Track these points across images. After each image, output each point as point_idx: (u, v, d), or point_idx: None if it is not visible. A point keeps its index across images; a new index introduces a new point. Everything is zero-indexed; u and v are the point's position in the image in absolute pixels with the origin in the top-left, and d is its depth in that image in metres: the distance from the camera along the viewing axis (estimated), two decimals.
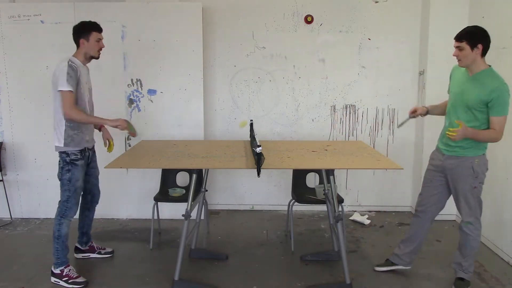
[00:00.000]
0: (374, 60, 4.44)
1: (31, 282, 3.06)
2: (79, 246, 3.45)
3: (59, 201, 3.04)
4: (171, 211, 4.14)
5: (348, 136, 4.57)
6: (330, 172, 2.91)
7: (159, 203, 3.76)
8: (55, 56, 4.12)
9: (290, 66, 4.46)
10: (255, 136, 2.97)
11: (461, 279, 2.94)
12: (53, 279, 3.05)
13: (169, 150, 3.27)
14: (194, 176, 2.89)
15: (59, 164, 3.03)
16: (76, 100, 2.95)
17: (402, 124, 3.16)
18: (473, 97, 2.68)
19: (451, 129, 2.65)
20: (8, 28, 4.10)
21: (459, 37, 2.68)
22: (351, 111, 4.53)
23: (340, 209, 3.25)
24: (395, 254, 3.20)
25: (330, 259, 3.43)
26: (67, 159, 2.98)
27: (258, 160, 2.55)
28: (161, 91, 4.21)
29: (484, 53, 2.67)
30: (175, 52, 4.15)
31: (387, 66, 4.45)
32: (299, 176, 3.90)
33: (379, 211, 4.63)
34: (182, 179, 4.03)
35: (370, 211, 4.63)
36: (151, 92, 4.21)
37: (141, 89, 4.21)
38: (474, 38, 2.63)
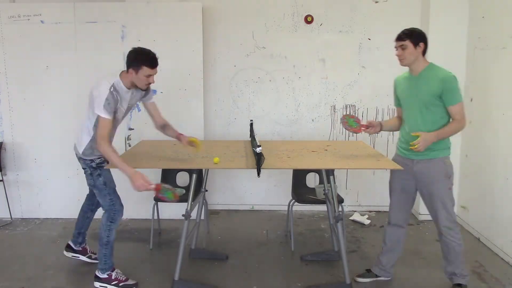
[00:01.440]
0: (374, 60, 4.44)
1: (31, 282, 3.06)
2: (72, 245, 3.35)
3: (103, 207, 2.95)
4: (171, 211, 4.14)
5: (348, 136, 4.57)
6: (330, 172, 2.91)
7: (159, 203, 3.76)
8: (55, 56, 4.14)
9: (290, 66, 4.46)
10: (255, 136, 2.97)
11: (459, 285, 2.84)
12: (98, 284, 2.99)
13: (169, 150, 3.27)
14: (194, 176, 2.89)
15: (85, 171, 2.92)
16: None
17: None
18: (424, 93, 2.71)
19: (412, 142, 2.63)
20: (8, 28, 4.10)
21: (401, 37, 2.73)
22: (351, 111, 4.53)
23: (340, 209, 3.25)
24: (380, 267, 3.09)
25: (330, 259, 3.43)
26: (93, 164, 2.88)
27: (258, 160, 2.55)
28: (161, 91, 4.21)
29: (424, 52, 2.75)
30: (175, 52, 4.15)
31: (387, 66, 4.44)
32: (299, 176, 3.90)
33: (379, 211, 4.63)
34: (182, 179, 4.03)
35: (370, 211, 4.63)
36: None
37: None
38: (417, 36, 2.70)
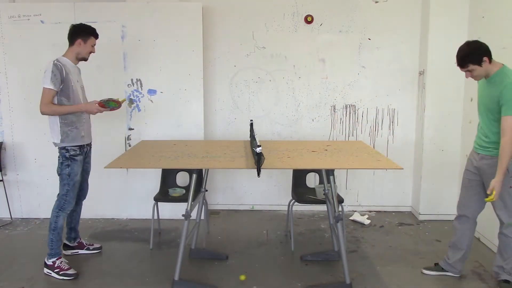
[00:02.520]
0: (374, 60, 4.44)
1: (31, 282, 3.06)
2: (67, 242, 3.50)
3: (58, 194, 3.15)
4: (171, 211, 4.14)
5: (348, 136, 4.57)
6: (330, 172, 2.91)
7: (159, 203, 3.76)
8: (55, 56, 4.10)
9: (290, 66, 4.46)
10: (255, 136, 2.97)
11: (506, 281, 2.87)
12: (45, 270, 3.15)
13: (169, 150, 3.27)
14: (194, 176, 2.89)
15: (58, 160, 3.14)
16: (68, 97, 3.08)
17: None
18: (489, 98, 2.70)
19: (488, 198, 2.67)
20: (8, 28, 4.10)
21: (461, 64, 2.68)
22: (351, 111, 4.53)
23: (340, 209, 3.25)
24: (446, 261, 3.13)
25: (330, 259, 3.43)
26: (67, 154, 3.10)
27: (258, 160, 2.55)
28: (161, 91, 4.22)
29: (491, 59, 2.68)
30: (175, 52, 4.15)
31: (387, 66, 4.45)
32: (299, 176, 3.90)
33: (379, 211, 4.63)
34: (182, 179, 4.03)
35: (370, 211, 4.63)
36: (151, 92, 4.21)
37: (141, 89, 4.21)
38: (476, 56, 2.64)
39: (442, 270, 3.15)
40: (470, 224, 3.02)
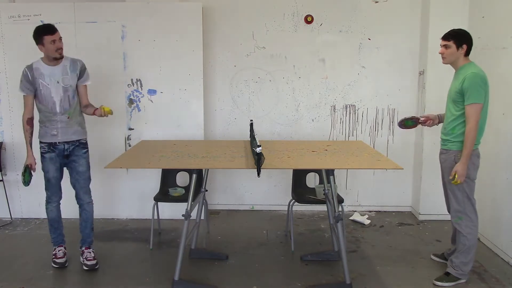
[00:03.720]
0: (374, 60, 4.44)
1: (31, 282, 3.06)
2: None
3: None
4: (171, 211, 4.14)
5: (348, 136, 4.57)
6: (330, 172, 2.91)
7: (159, 203, 3.76)
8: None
9: (290, 66, 4.46)
10: (255, 136, 2.97)
11: (447, 273, 3.03)
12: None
13: (169, 150, 3.27)
14: (194, 176, 2.89)
15: None
16: (38, 99, 3.18)
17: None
18: (453, 88, 2.89)
19: (454, 181, 2.84)
20: (8, 28, 4.10)
21: (446, 37, 2.89)
22: (351, 111, 4.53)
23: (340, 209, 3.25)
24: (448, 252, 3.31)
25: (330, 259, 3.43)
26: (41, 150, 3.25)
27: (258, 160, 2.55)
28: (161, 91, 4.21)
29: (467, 53, 2.89)
30: (175, 52, 4.15)
31: (387, 66, 4.45)
32: (299, 176, 3.90)
33: (379, 211, 4.63)
34: (182, 179, 4.03)
35: (370, 211, 4.63)
36: (151, 92, 4.21)
37: (141, 89, 4.21)
38: (461, 38, 2.86)
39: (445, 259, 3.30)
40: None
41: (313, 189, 3.78)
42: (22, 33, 4.10)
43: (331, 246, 3.57)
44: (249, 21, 4.39)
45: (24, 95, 3.17)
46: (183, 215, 2.88)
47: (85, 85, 3.30)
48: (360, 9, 4.36)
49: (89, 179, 3.36)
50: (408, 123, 3.25)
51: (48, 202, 3.31)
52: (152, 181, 4.18)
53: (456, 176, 2.81)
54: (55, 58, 3.14)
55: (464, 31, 2.90)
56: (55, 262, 3.28)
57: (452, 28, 2.93)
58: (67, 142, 3.24)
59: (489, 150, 3.68)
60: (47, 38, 3.06)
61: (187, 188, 3.70)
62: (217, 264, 3.36)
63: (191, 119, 4.25)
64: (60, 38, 3.13)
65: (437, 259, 3.39)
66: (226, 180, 4.65)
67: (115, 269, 3.28)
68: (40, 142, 3.25)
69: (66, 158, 3.27)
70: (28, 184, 3.28)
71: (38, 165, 3.31)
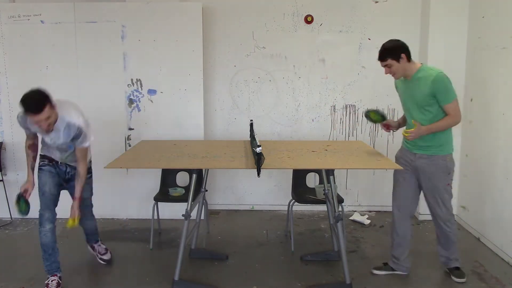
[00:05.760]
0: (374, 60, 4.40)
1: (31, 282, 3.06)
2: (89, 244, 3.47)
3: None
4: (171, 211, 4.14)
5: (348, 136, 4.57)
6: (330, 172, 2.92)
7: (159, 203, 3.76)
8: (55, 56, 4.14)
9: (290, 66, 4.46)
10: (255, 136, 2.97)
11: (457, 268, 3.10)
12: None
13: (169, 150, 3.27)
14: (194, 176, 2.89)
15: None
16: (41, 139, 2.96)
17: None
18: (419, 95, 2.82)
19: (406, 130, 2.84)
20: (8, 28, 4.10)
21: (381, 57, 2.84)
22: (351, 111, 4.53)
23: (340, 209, 3.25)
24: (394, 261, 3.18)
25: (330, 259, 3.43)
26: (39, 163, 3.03)
27: (258, 160, 2.55)
28: (161, 91, 4.22)
29: (409, 58, 2.83)
30: (175, 52, 4.15)
31: None
32: (299, 176, 3.90)
33: (379, 211, 4.63)
34: (182, 179, 4.03)
35: (370, 211, 4.63)
36: (151, 92, 4.21)
37: (141, 89, 4.21)
38: (394, 52, 2.80)
39: (392, 270, 3.21)
40: (407, 220, 3.13)
41: (313, 189, 3.78)
42: (22, 33, 4.11)
43: (331, 246, 3.57)
44: (249, 21, 4.39)
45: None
46: (183, 215, 2.88)
47: (81, 148, 2.89)
48: (360, 9, 4.36)
49: (91, 205, 3.28)
50: (371, 115, 3.14)
51: (40, 224, 2.93)
52: (152, 181, 4.18)
53: (407, 134, 2.80)
54: (44, 133, 2.82)
55: (393, 42, 2.84)
56: None
57: (386, 45, 2.84)
58: (70, 166, 3.04)
59: (489, 150, 3.68)
60: (30, 118, 2.62)
61: (187, 188, 3.70)
62: (217, 264, 3.36)
63: (191, 119, 4.25)
64: (47, 118, 2.61)
65: (380, 272, 3.19)
66: (226, 180, 4.65)
67: (115, 269, 3.28)
68: (41, 155, 3.00)
69: (66, 182, 3.07)
70: (27, 214, 2.98)
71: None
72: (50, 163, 3.02)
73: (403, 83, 2.97)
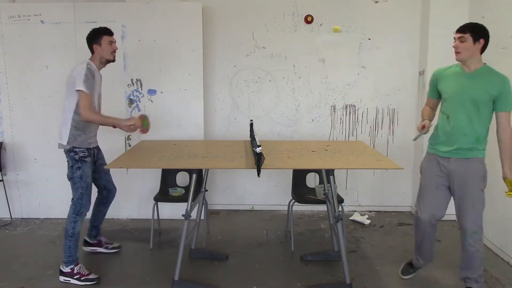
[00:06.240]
0: (374, 60, 4.44)
1: (31, 282, 3.06)
2: (87, 239, 3.52)
3: (72, 199, 3.07)
4: (171, 211, 4.14)
5: (348, 136, 4.57)
6: (330, 172, 2.91)
7: (159, 203, 3.76)
8: (55, 56, 4.14)
9: (290, 66, 4.46)
10: (255, 136, 2.97)
11: None
12: (62, 278, 3.05)
13: (169, 150, 3.27)
14: (194, 176, 2.89)
15: (68, 164, 3.07)
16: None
17: (416, 138, 3.06)
18: (480, 91, 2.59)
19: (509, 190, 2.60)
20: (8, 28, 4.10)
21: (462, 29, 2.61)
22: (351, 111, 4.53)
23: (340, 209, 3.25)
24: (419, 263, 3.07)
25: (330, 259, 3.43)
26: (76, 157, 3.03)
27: (258, 160, 2.55)
28: (161, 91, 4.22)
29: (483, 50, 2.63)
30: (175, 52, 4.15)
31: (387, 66, 4.45)
32: (299, 176, 3.90)
33: (379, 211, 4.63)
34: (182, 179, 4.03)
35: (370, 211, 4.63)
36: (151, 92, 4.21)
37: (141, 89, 4.21)
38: (478, 31, 2.58)
39: (417, 269, 3.12)
40: (434, 229, 2.91)
41: (313, 189, 3.78)
42: (22, 33, 4.11)
43: (331, 246, 3.57)
44: (249, 21, 4.39)
45: (87, 93, 2.92)
46: (183, 215, 2.88)
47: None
48: (360, 9, 4.36)
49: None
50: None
51: (79, 213, 3.04)
52: (152, 181, 4.18)
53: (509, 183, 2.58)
54: (108, 60, 3.14)
55: (482, 25, 2.61)
56: (88, 279, 3.01)
57: (473, 23, 2.65)
58: (96, 147, 3.26)
59: (489, 149, 3.68)
60: (106, 38, 3.08)
61: (187, 188, 3.70)
62: (217, 264, 3.36)
63: (191, 119, 4.25)
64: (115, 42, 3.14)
65: (409, 276, 3.10)
66: (226, 180, 4.65)
67: (115, 269, 3.28)
68: (78, 148, 3.04)
69: (94, 164, 3.22)
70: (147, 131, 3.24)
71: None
72: (89, 153, 3.11)
73: (457, 75, 2.71)
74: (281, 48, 4.43)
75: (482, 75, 2.62)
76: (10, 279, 3.10)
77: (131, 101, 4.22)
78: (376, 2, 4.36)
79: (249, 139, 3.49)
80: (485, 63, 2.68)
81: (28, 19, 4.09)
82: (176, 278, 2.88)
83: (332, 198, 2.94)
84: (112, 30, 4.17)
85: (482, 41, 2.58)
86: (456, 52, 2.65)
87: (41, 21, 4.10)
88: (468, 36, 2.57)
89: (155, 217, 3.82)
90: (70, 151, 3.04)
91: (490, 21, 3.70)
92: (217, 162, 2.90)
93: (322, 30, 4.40)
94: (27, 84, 4.18)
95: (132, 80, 4.19)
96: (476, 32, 2.57)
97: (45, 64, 4.14)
